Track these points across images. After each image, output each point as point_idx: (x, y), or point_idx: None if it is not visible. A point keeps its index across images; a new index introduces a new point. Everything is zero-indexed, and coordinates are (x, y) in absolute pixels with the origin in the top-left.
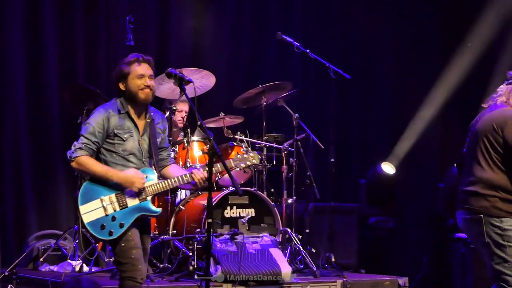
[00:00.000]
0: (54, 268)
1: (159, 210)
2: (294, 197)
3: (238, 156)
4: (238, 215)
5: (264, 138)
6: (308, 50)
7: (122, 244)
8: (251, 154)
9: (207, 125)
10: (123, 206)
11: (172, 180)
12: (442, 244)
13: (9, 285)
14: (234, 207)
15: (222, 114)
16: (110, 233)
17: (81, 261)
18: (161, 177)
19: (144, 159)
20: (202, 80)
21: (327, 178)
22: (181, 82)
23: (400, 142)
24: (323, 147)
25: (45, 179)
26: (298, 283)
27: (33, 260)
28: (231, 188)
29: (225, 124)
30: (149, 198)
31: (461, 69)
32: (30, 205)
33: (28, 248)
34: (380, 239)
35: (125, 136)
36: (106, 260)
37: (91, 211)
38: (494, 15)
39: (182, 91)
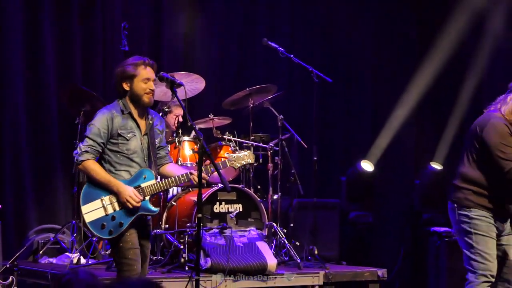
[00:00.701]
0: (53, 260)
1: (157, 209)
2: (279, 194)
3: (234, 155)
4: (226, 211)
5: (251, 138)
6: (292, 55)
7: (120, 244)
8: (246, 154)
9: (197, 126)
10: (122, 206)
11: (170, 180)
12: (418, 237)
13: (11, 277)
14: (223, 203)
15: (211, 116)
16: (110, 232)
17: (78, 254)
18: (160, 175)
19: (145, 158)
20: (192, 84)
21: (310, 176)
22: (173, 85)
23: (377, 141)
24: (306, 147)
25: (44, 177)
26: (283, 274)
27: (33, 253)
28: (220, 185)
29: (214, 124)
30: (147, 198)
31: (433, 72)
32: (30, 201)
33: (28, 242)
34: (360, 233)
35: (128, 135)
36: (102, 253)
37: (92, 211)
38: (464, 19)
39: (174, 93)
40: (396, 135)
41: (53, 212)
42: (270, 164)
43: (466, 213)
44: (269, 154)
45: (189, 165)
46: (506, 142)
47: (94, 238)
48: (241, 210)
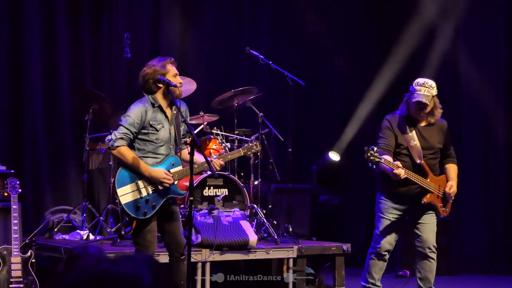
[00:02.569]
0: (66, 236)
1: (184, 192)
2: (259, 180)
3: (246, 145)
4: (214, 194)
5: (235, 132)
6: (270, 62)
7: (141, 226)
8: (255, 143)
9: (189, 122)
10: (155, 189)
11: (195, 166)
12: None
13: (29, 251)
14: (211, 187)
15: (201, 113)
16: (145, 213)
17: (87, 231)
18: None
19: (171, 146)
20: (185, 85)
21: (286, 165)
22: (168, 87)
23: (343, 135)
24: (282, 140)
25: (58, 165)
26: (263, 248)
27: (48, 230)
28: (209, 172)
29: (204, 121)
30: (176, 182)
31: (392, 74)
32: (46, 186)
33: (45, 221)
34: (328, 213)
35: (158, 126)
36: (108, 230)
37: (127, 193)
38: (417, 30)
39: (169, 94)
40: (360, 130)
41: (66, 195)
42: (251, 155)
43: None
44: None
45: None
46: (382, 134)
47: (101, 218)
48: (226, 193)
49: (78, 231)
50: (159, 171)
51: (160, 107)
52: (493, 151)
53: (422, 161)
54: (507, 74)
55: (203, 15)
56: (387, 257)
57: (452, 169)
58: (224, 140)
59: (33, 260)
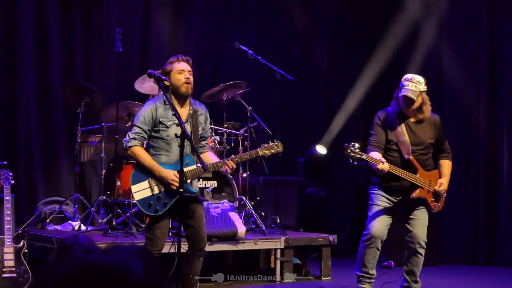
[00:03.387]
0: (58, 227)
1: (197, 191)
2: (248, 172)
3: (265, 145)
4: (204, 186)
5: (225, 125)
6: (259, 57)
7: (152, 222)
8: (276, 144)
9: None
10: (166, 188)
11: (209, 165)
12: (363, 208)
13: (22, 241)
14: (201, 180)
15: None
16: (156, 210)
17: (79, 222)
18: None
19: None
20: None
21: (274, 157)
22: (159, 81)
23: (330, 128)
24: (270, 133)
25: (51, 156)
26: (251, 239)
27: (41, 221)
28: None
29: None
30: (188, 181)
31: (377, 71)
32: (38, 177)
33: (37, 212)
34: (314, 205)
35: (168, 123)
36: (99, 221)
37: (140, 190)
38: (401, 27)
39: (160, 88)
40: (346, 124)
41: (58, 186)
42: (240, 148)
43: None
44: (239, 139)
45: None
46: (372, 131)
47: (92, 209)
48: (216, 185)
49: (70, 222)
50: (169, 173)
51: (172, 104)
52: (474, 144)
53: (411, 157)
54: (488, 70)
55: (192, 10)
56: (379, 245)
57: (445, 165)
58: (213, 133)
59: (26, 250)
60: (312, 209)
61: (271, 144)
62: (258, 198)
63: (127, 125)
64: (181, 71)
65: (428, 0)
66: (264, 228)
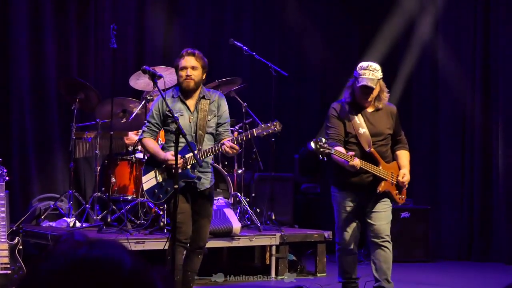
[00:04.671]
0: (53, 224)
1: (195, 175)
2: (243, 168)
3: (262, 125)
4: None
5: None
6: (254, 53)
7: (171, 209)
8: (274, 123)
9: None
10: (168, 175)
11: (207, 150)
12: None
13: (17, 238)
14: None
15: None
16: (159, 198)
17: (74, 218)
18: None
19: (193, 134)
20: (170, 76)
21: (269, 154)
22: (154, 77)
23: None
24: None
25: (45, 153)
26: (246, 235)
27: (36, 218)
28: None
29: None
30: (189, 166)
31: None
32: (33, 174)
33: (32, 208)
34: (310, 201)
35: (176, 115)
36: (94, 217)
37: (148, 180)
38: (396, 24)
39: (155, 84)
40: None
41: (53, 183)
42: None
43: None
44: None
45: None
46: (330, 124)
47: (87, 206)
48: None
49: (64, 218)
50: (166, 154)
51: (180, 97)
52: (469, 139)
53: (372, 149)
54: (483, 66)
55: (187, 6)
56: (355, 249)
57: (404, 155)
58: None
59: (20, 247)
60: (307, 205)
61: (268, 124)
62: (253, 194)
63: (121, 121)
64: (183, 68)
65: None
66: (259, 225)
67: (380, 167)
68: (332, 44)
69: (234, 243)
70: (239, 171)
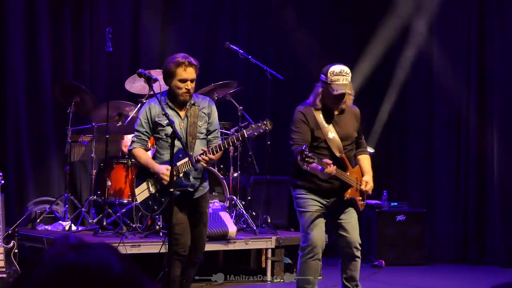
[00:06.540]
0: (48, 227)
1: (188, 183)
2: (239, 172)
3: (252, 125)
4: None
5: None
6: (249, 57)
7: (167, 220)
8: (264, 122)
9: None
10: (162, 185)
11: (195, 158)
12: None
13: (12, 241)
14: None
15: None
16: (153, 209)
17: (69, 221)
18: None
19: (184, 140)
20: None
21: (264, 157)
22: (149, 81)
23: None
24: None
25: (41, 156)
26: (242, 239)
27: (31, 221)
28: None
29: None
30: (181, 175)
31: (367, 71)
32: (28, 177)
33: (27, 212)
34: None
35: (165, 122)
36: (90, 221)
37: (141, 192)
38: (392, 27)
39: (150, 87)
40: None
41: (48, 186)
42: (231, 147)
43: None
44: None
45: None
46: (295, 128)
47: (83, 209)
48: None
49: (60, 222)
50: (160, 167)
51: (169, 104)
52: (464, 142)
53: (343, 154)
54: (478, 68)
55: (183, 9)
56: (320, 255)
57: (366, 160)
58: None
59: (16, 251)
60: None
61: (259, 123)
62: (249, 197)
63: (117, 124)
64: (184, 80)
65: None
66: (255, 228)
67: (348, 173)
68: (327, 47)
69: (230, 247)
70: (235, 175)
